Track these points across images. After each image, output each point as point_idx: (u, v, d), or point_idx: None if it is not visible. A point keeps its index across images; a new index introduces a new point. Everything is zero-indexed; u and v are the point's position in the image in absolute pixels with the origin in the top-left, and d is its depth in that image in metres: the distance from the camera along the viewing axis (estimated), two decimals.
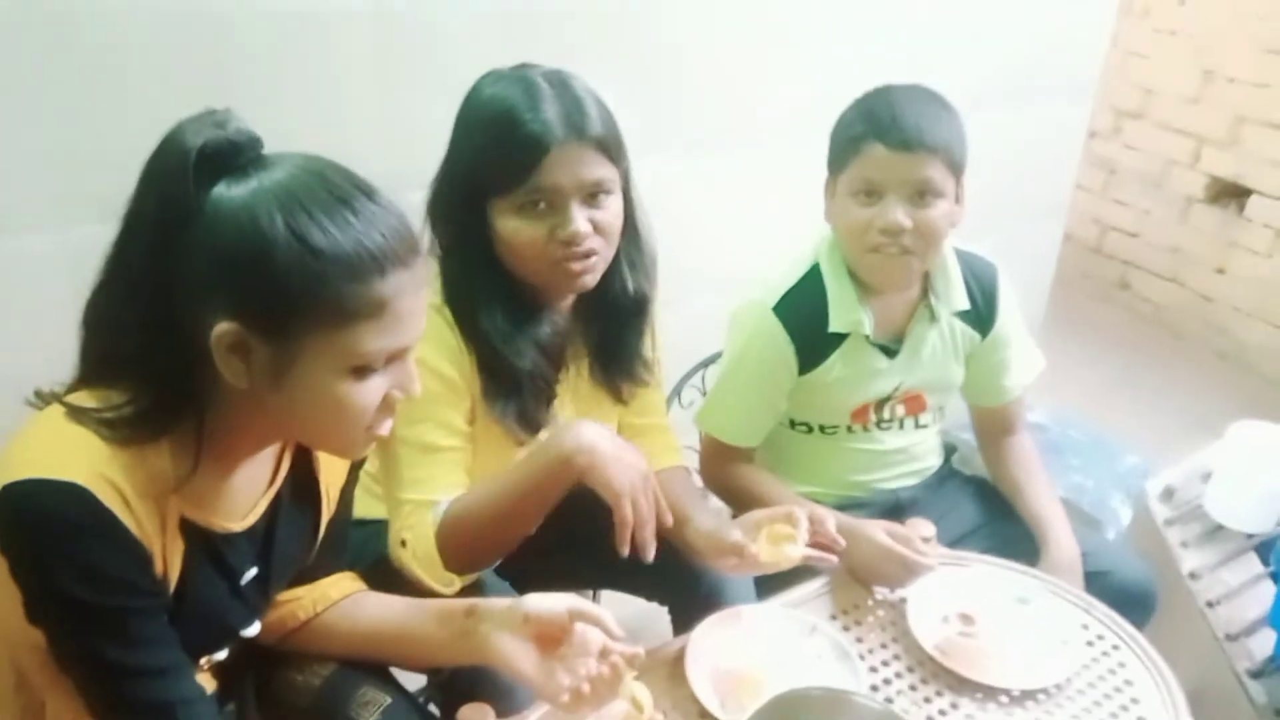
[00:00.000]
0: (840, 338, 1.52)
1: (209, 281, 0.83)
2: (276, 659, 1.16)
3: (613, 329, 1.38)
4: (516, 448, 1.32)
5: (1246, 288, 3.49)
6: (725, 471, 1.58)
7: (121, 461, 0.85)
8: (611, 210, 1.24)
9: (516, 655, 1.02)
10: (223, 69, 1.53)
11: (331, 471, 1.11)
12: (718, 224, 2.08)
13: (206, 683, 1.09)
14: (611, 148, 1.22)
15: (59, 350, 0.91)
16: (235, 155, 0.84)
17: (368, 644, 1.13)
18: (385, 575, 1.23)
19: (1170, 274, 3.74)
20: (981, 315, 1.60)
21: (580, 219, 1.20)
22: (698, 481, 1.58)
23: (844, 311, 1.50)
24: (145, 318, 0.85)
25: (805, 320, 1.50)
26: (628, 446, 1.20)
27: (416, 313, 0.89)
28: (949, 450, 1.77)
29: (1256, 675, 1.52)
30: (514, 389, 1.27)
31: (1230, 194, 3.51)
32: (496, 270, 1.25)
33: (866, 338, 1.52)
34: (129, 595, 0.86)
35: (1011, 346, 1.65)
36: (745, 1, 2.01)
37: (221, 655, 1.07)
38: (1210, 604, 1.67)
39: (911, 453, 1.65)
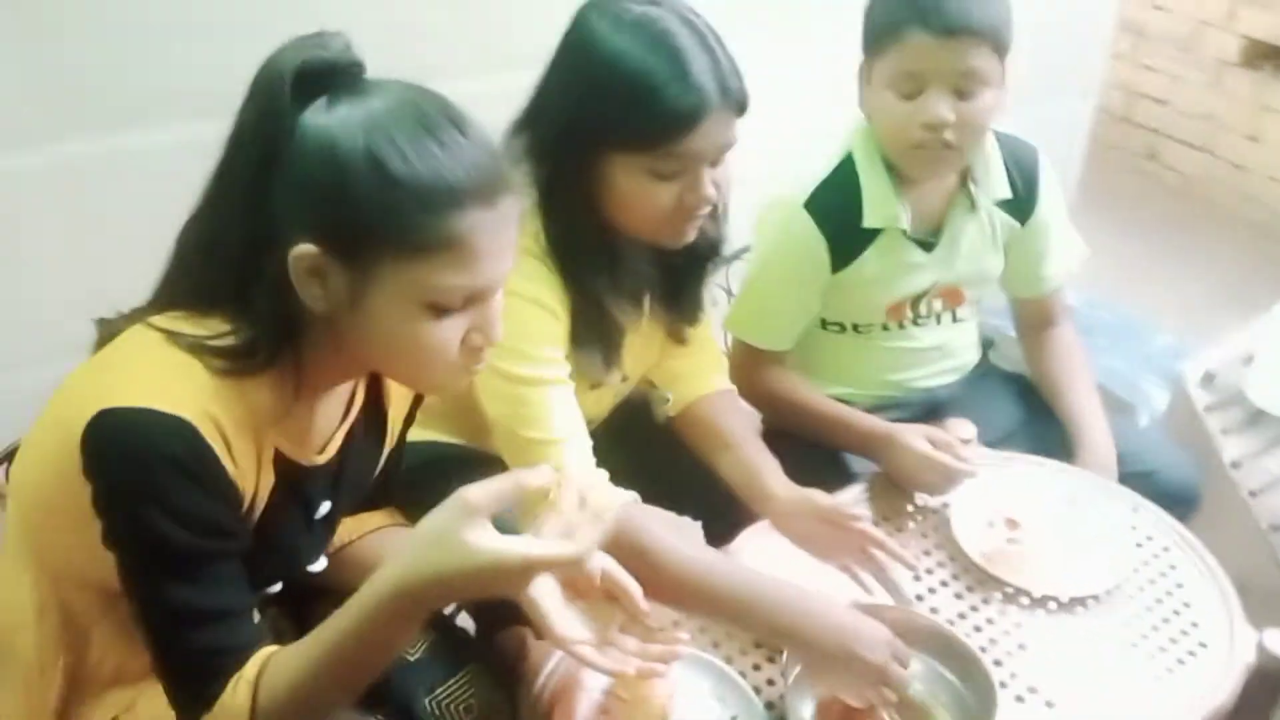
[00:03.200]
0: (875, 233, 1.45)
1: (294, 204, 0.82)
2: (313, 591, 1.13)
3: (684, 274, 1.32)
4: (589, 390, 1.27)
5: None
6: (756, 377, 1.52)
7: (225, 395, 0.83)
8: (729, 166, 1.17)
9: (543, 590, 0.92)
10: None
11: (398, 404, 1.09)
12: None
13: None
14: (747, 106, 1.14)
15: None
16: (332, 77, 0.82)
17: None
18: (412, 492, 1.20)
19: (1201, 143, 3.61)
20: (1021, 202, 1.52)
21: (709, 184, 1.14)
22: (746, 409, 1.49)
23: (879, 205, 1.42)
24: (244, 242, 0.83)
25: (838, 216, 1.43)
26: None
27: (497, 253, 0.85)
28: (986, 344, 1.71)
29: None
30: (604, 335, 1.23)
31: (1266, 56, 3.35)
32: (597, 218, 1.17)
33: (903, 232, 1.45)
34: (214, 538, 0.85)
35: (1052, 234, 1.57)
36: None
37: (277, 588, 1.05)
38: (1253, 493, 1.63)
39: (948, 349, 1.60)
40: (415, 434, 1.36)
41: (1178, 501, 1.43)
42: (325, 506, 1.01)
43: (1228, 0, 3.39)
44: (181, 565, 0.84)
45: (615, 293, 1.21)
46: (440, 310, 0.84)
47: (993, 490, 1.33)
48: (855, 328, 1.55)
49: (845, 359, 1.58)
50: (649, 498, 1.31)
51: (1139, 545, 1.28)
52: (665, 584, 1.05)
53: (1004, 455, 1.43)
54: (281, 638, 1.05)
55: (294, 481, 0.94)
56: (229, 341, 0.84)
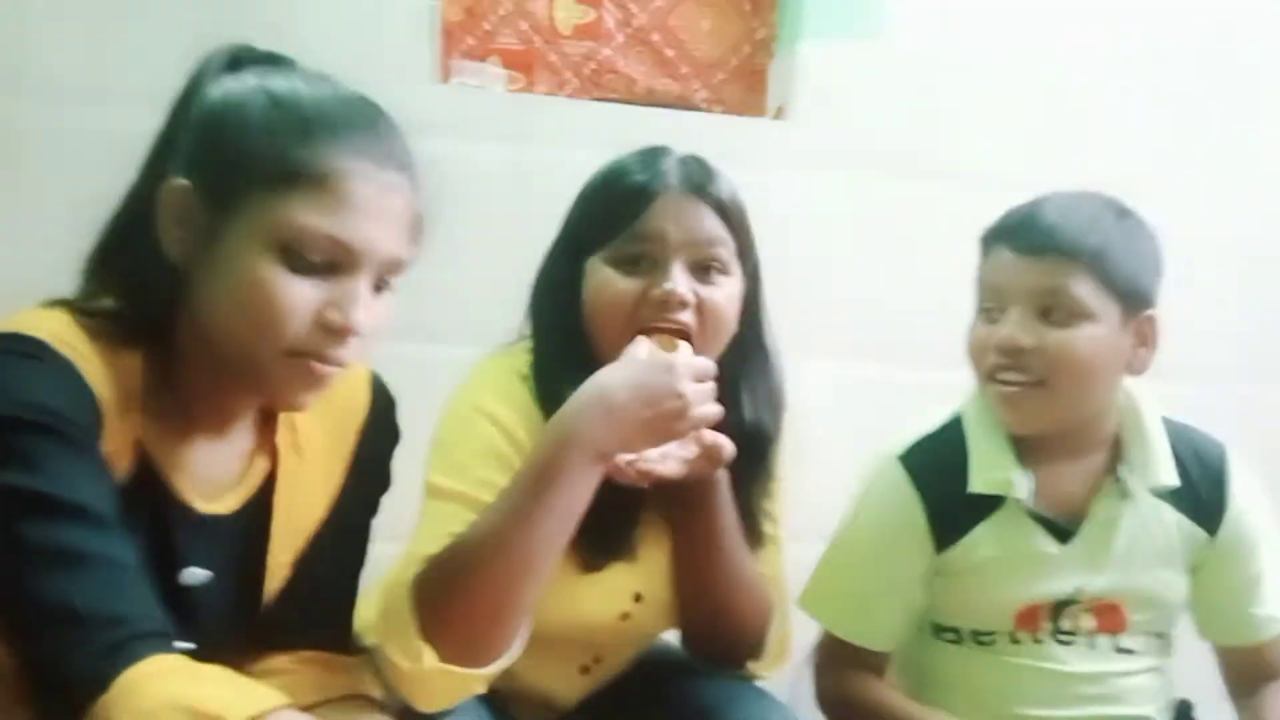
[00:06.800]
0: (989, 506, 1.17)
1: (180, 154, 0.81)
2: None
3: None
4: (580, 575, 1.05)
5: None
6: (842, 681, 1.20)
7: (93, 343, 0.78)
8: (724, 291, 1.05)
9: None
10: None
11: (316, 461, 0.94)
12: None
13: None
14: (733, 216, 1.07)
15: None
16: (253, 62, 0.85)
17: None
18: None
19: None
20: (1202, 503, 1.20)
21: (682, 280, 1.03)
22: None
23: (988, 467, 1.17)
24: (133, 209, 0.83)
25: (938, 475, 1.18)
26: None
27: (374, 215, 0.79)
28: (1182, 711, 1.27)
29: None
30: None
31: None
32: (582, 342, 1.07)
33: (1029, 513, 1.17)
34: (55, 418, 0.72)
35: (1261, 555, 1.21)
36: None
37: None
38: None
39: (1111, 686, 1.19)
40: None
41: None
42: (199, 574, 0.85)
43: None
44: (7, 445, 0.70)
45: None
46: (295, 260, 0.78)
47: None
48: (975, 636, 1.21)
49: (963, 679, 1.22)
50: None
51: None
52: None
53: None
54: None
55: (154, 500, 0.81)
56: (99, 303, 0.81)
